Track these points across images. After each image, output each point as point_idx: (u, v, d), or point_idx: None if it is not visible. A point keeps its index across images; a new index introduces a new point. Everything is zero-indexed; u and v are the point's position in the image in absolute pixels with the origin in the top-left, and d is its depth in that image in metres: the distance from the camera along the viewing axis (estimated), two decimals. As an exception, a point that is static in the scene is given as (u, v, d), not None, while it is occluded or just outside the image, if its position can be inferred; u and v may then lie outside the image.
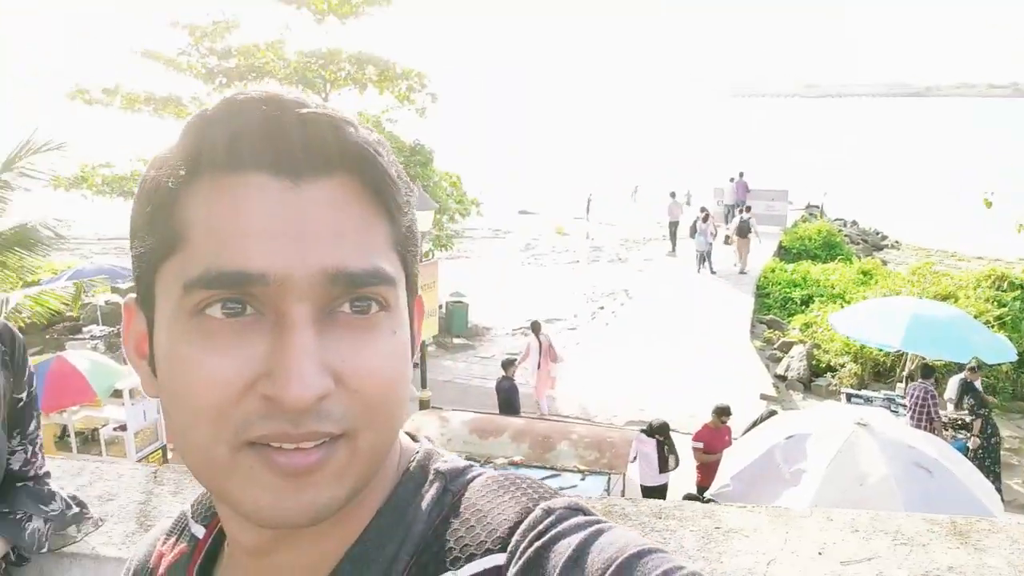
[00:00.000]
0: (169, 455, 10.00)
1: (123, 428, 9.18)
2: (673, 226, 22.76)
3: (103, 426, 9.35)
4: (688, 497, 7.81)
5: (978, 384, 10.07)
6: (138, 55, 19.39)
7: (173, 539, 0.69)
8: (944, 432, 9.01)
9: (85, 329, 14.48)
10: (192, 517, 0.69)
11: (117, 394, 9.30)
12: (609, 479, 7.52)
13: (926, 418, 8.98)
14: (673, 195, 23.31)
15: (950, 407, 9.84)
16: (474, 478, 0.58)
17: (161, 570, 0.68)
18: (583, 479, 7.22)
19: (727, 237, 22.26)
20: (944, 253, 27.54)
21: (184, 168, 0.49)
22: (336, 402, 0.48)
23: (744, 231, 20.22)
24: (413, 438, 0.63)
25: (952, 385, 10.11)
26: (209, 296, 0.48)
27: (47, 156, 10.03)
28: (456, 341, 15.11)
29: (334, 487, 0.49)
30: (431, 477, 0.58)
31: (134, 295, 0.56)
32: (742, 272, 20.02)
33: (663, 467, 8.27)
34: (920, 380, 9.45)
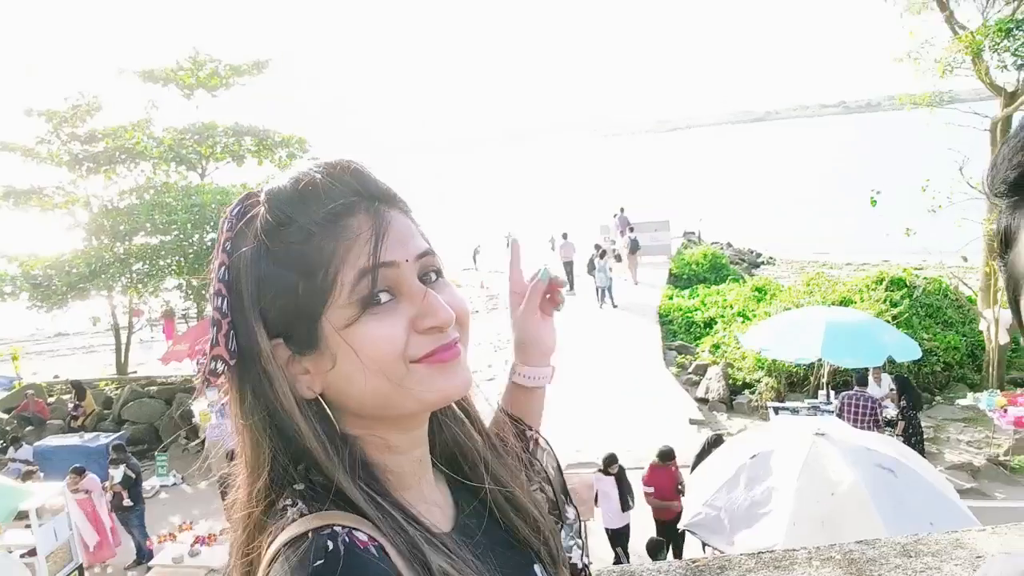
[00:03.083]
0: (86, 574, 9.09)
1: (32, 553, 8.24)
2: (568, 266, 23.10)
3: (9, 553, 8.35)
4: (655, 543, 7.69)
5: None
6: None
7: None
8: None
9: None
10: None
11: (20, 516, 8.38)
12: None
13: (872, 423, 9.18)
14: (565, 236, 23.81)
15: (890, 404, 10.20)
16: None
17: None
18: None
19: (616, 255, 24.25)
20: (816, 263, 29.14)
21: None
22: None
23: (634, 248, 23.46)
24: None
25: (885, 384, 10.54)
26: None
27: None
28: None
29: None
30: None
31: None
32: (635, 283, 22.99)
33: (624, 505, 8.11)
34: (857, 388, 9.74)
